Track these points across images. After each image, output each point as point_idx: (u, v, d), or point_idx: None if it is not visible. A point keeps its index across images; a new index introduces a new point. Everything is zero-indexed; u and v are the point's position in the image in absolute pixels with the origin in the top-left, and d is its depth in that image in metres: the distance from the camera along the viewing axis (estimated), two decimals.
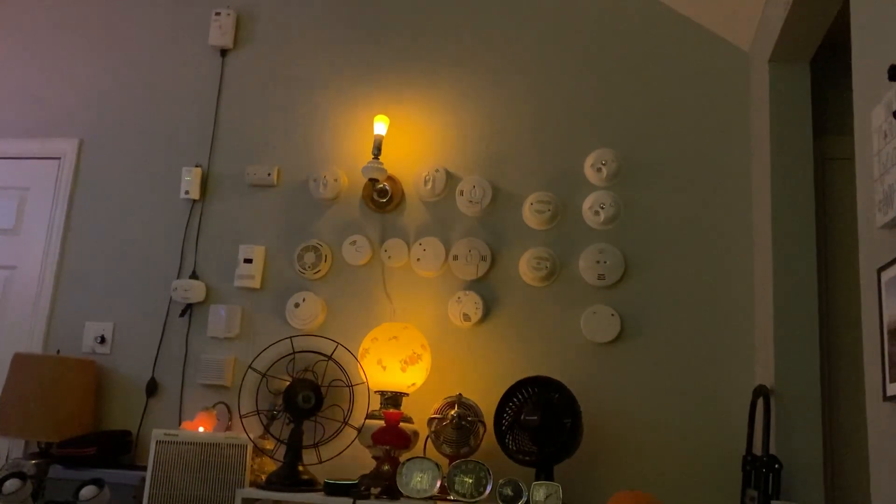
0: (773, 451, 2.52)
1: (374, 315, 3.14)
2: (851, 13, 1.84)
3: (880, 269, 1.58)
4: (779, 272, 2.62)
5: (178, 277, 3.32)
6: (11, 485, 2.52)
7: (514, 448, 2.62)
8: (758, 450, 2.61)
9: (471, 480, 2.53)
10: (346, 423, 2.92)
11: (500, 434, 2.65)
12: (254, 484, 2.75)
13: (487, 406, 2.84)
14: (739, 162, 3.00)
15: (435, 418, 2.76)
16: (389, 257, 3.15)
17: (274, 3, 3.54)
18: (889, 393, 1.52)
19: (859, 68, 1.78)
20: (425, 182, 3.16)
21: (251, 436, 2.78)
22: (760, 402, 2.64)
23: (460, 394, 2.80)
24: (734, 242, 2.94)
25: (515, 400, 2.67)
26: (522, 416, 2.59)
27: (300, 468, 2.68)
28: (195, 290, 3.25)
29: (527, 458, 2.60)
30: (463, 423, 2.71)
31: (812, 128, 2.72)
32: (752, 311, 2.88)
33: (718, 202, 2.99)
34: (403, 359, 2.82)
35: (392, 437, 2.66)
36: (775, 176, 2.68)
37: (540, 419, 2.57)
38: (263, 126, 3.42)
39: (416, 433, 2.79)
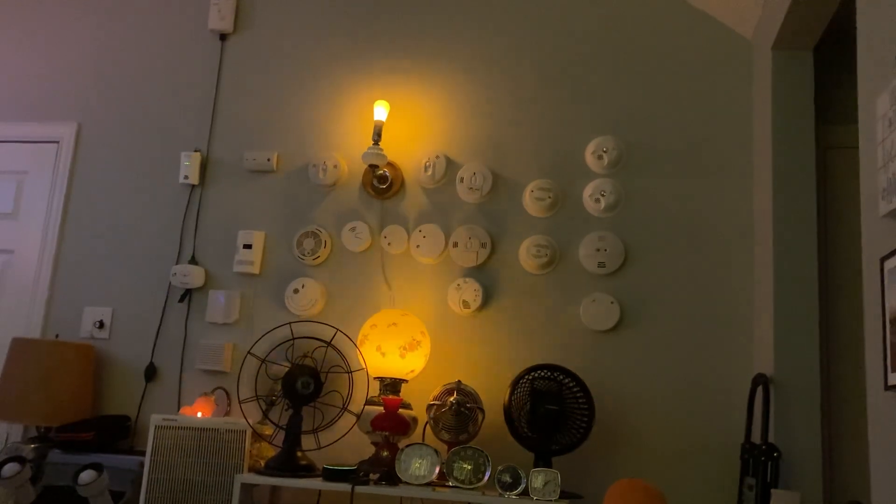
0: (771, 439, 2.52)
1: (373, 301, 3.13)
2: (857, 0, 1.83)
3: (883, 259, 1.58)
4: (779, 261, 2.62)
5: (177, 262, 3.31)
6: (10, 469, 2.52)
7: (528, 433, 2.62)
8: (757, 438, 2.62)
9: (469, 467, 2.53)
10: (345, 409, 2.92)
11: (508, 417, 2.65)
12: (252, 469, 2.75)
13: (486, 393, 2.85)
14: (741, 150, 2.99)
15: (434, 405, 2.76)
16: (389, 244, 3.14)
17: None
18: (890, 382, 1.52)
19: (864, 56, 1.76)
20: (425, 168, 3.15)
21: (250, 421, 2.78)
22: (760, 390, 2.64)
23: (459, 380, 2.80)
24: (735, 231, 2.93)
25: (527, 381, 2.66)
26: (543, 405, 2.60)
27: (299, 454, 2.68)
28: (194, 276, 3.24)
29: (532, 443, 2.61)
30: (462, 409, 2.71)
31: (814, 116, 2.71)
32: (752, 299, 2.87)
33: (720, 191, 2.98)
34: (402, 345, 2.81)
35: (391, 424, 2.66)
36: (777, 164, 2.68)
37: (560, 409, 2.59)
38: (263, 111, 3.40)
39: (415, 419, 2.79)
